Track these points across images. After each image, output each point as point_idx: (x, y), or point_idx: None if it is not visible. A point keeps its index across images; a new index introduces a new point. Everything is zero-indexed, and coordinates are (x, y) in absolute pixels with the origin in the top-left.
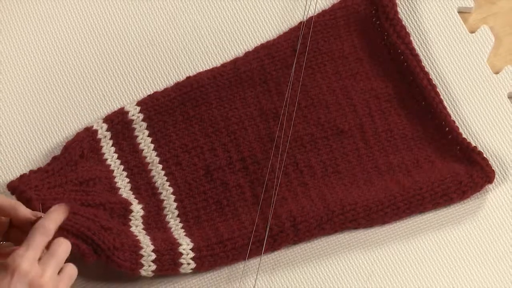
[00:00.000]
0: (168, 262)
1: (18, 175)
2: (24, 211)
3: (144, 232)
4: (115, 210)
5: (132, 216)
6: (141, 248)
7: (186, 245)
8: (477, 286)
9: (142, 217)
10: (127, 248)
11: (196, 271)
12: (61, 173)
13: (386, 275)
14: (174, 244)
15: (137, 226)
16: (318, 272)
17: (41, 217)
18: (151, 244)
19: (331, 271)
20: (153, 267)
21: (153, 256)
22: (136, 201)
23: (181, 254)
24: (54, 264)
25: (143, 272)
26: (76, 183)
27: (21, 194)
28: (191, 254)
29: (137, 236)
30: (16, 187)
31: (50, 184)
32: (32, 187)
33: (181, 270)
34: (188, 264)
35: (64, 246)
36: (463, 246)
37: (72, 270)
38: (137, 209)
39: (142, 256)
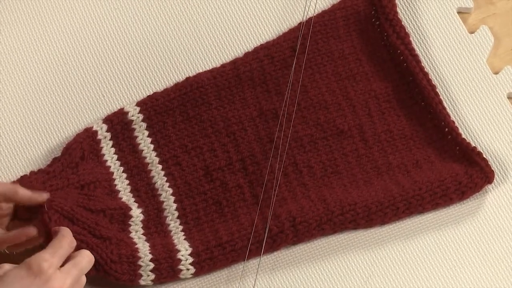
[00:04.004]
0: (167, 270)
1: (18, 175)
2: (24, 192)
3: (144, 238)
4: (114, 216)
5: (132, 221)
6: (139, 258)
7: (184, 251)
8: (476, 286)
9: (142, 221)
10: (124, 260)
11: (196, 275)
12: (63, 175)
13: (386, 275)
14: (172, 251)
15: (137, 232)
16: (317, 272)
17: (44, 201)
18: (150, 252)
19: (331, 272)
20: (152, 276)
21: (152, 265)
22: (136, 204)
23: (180, 260)
24: (75, 275)
25: (142, 282)
26: (77, 186)
27: None
28: (190, 260)
29: (136, 244)
30: None
31: (52, 187)
32: (35, 188)
33: (181, 276)
34: (188, 269)
35: (88, 259)
36: (462, 247)
37: (84, 280)
38: (136, 213)
39: (140, 266)
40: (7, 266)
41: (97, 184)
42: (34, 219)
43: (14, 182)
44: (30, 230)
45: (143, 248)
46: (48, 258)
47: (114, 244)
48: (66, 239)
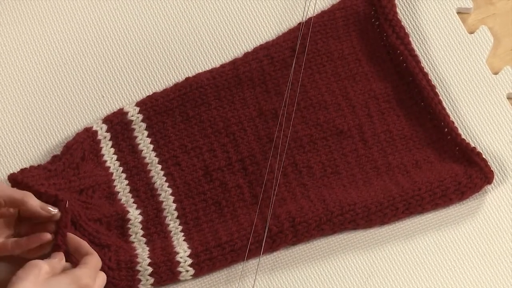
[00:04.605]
0: (166, 273)
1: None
2: (34, 204)
3: (143, 240)
4: (112, 222)
5: (131, 224)
6: (137, 263)
7: (183, 253)
8: (476, 286)
9: (141, 222)
10: (123, 266)
11: (196, 276)
12: (64, 176)
13: (385, 275)
14: (171, 254)
15: (136, 234)
16: (317, 272)
17: (56, 213)
18: (148, 257)
19: (331, 272)
20: (151, 280)
21: (150, 269)
22: (135, 205)
23: (179, 262)
24: None
25: (141, 287)
26: (77, 190)
27: (27, 188)
28: (189, 261)
29: (135, 249)
30: (21, 181)
31: (55, 186)
32: (38, 184)
33: (181, 278)
34: (187, 271)
35: (105, 279)
36: (462, 247)
37: None
38: (135, 215)
39: (138, 271)
40: (46, 266)
41: (95, 188)
42: (42, 221)
43: (14, 173)
44: (45, 235)
45: (142, 252)
46: (93, 277)
47: (113, 252)
48: (99, 257)
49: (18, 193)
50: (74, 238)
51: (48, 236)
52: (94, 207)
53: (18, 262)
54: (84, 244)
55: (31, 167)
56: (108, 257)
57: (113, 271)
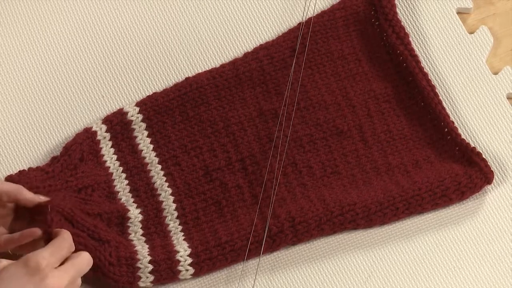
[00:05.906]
0: (166, 272)
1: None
2: (28, 194)
3: (143, 239)
4: (112, 219)
5: (131, 223)
6: (138, 260)
7: (183, 252)
8: (476, 286)
9: (141, 221)
10: (123, 262)
11: (195, 276)
12: (61, 177)
13: (385, 275)
14: (171, 252)
15: (136, 233)
16: (317, 272)
17: (47, 201)
18: (148, 254)
19: (331, 272)
20: (151, 278)
21: (150, 267)
22: (135, 205)
23: (179, 261)
24: (73, 275)
25: (141, 284)
26: (75, 189)
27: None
28: (189, 260)
29: (135, 246)
30: (17, 183)
31: (51, 187)
32: (33, 187)
33: (181, 277)
34: (187, 270)
35: (87, 261)
36: (462, 247)
37: (79, 282)
38: (135, 214)
39: (139, 268)
40: (4, 262)
41: (95, 187)
42: (37, 219)
43: (12, 175)
44: (35, 230)
45: (142, 250)
46: (47, 257)
47: (113, 247)
48: (66, 241)
49: (14, 185)
50: (56, 231)
51: (39, 232)
52: (94, 203)
53: (11, 258)
54: (61, 231)
55: (29, 169)
56: (108, 252)
57: (113, 266)
